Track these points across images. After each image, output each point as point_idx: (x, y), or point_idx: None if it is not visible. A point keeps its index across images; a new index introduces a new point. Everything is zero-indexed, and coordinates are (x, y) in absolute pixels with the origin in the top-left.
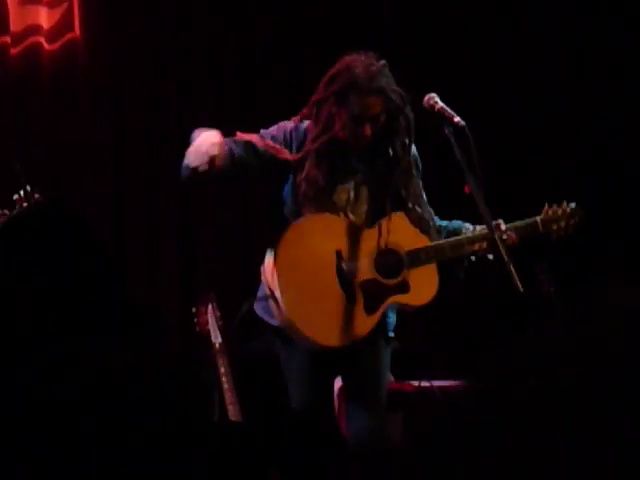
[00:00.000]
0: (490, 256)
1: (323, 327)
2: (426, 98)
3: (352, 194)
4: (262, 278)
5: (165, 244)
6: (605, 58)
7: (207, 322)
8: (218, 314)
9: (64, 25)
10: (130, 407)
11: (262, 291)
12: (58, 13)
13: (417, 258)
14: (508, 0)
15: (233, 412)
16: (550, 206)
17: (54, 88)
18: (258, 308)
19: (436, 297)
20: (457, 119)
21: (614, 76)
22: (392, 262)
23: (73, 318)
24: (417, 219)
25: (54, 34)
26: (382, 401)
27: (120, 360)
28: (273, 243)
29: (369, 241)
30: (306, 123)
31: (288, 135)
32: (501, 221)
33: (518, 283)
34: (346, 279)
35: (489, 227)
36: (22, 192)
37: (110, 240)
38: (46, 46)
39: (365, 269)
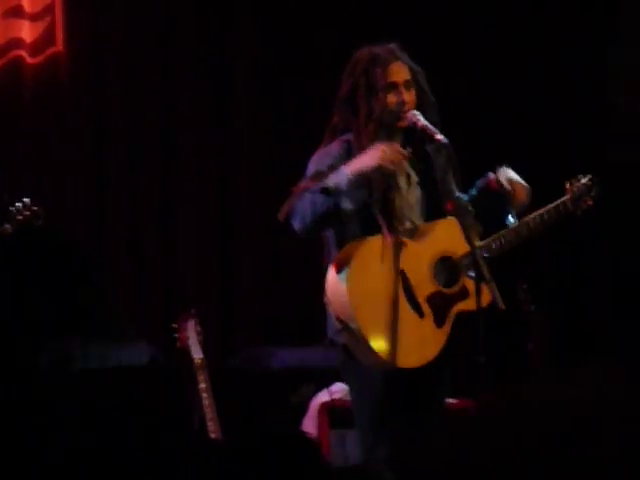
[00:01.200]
0: (471, 274)
1: (403, 351)
2: (409, 115)
3: (409, 198)
4: (329, 310)
5: (146, 260)
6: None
7: (188, 338)
8: (199, 330)
9: (47, 39)
10: (111, 422)
11: (332, 327)
12: (41, 27)
13: (472, 260)
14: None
15: (213, 427)
16: (571, 183)
17: (36, 102)
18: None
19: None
20: (439, 136)
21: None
22: (449, 270)
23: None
24: (462, 213)
25: (36, 48)
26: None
27: (101, 375)
28: (337, 272)
29: (425, 252)
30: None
31: (338, 160)
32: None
33: (500, 300)
34: (413, 298)
35: (471, 245)
36: (20, 204)
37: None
38: (28, 60)
39: (427, 282)
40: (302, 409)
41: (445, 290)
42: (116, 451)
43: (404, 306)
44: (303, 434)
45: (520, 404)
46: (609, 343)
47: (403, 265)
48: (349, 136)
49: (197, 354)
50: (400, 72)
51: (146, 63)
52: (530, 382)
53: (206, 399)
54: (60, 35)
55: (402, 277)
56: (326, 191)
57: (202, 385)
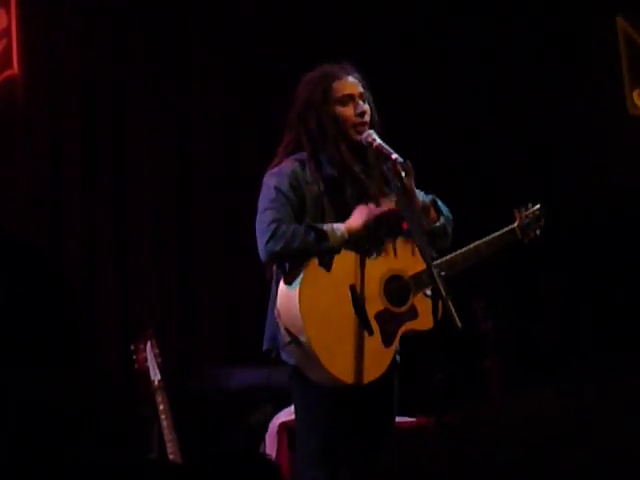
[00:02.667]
0: (428, 291)
1: (351, 368)
2: (364, 135)
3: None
4: (279, 322)
5: (102, 282)
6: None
7: (146, 359)
8: (157, 351)
9: (2, 62)
10: (69, 443)
11: (281, 337)
12: None
13: (421, 281)
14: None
15: (172, 449)
16: (519, 211)
17: None
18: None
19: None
20: (395, 156)
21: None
22: (399, 288)
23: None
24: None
25: None
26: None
27: (58, 396)
28: (287, 284)
29: (376, 270)
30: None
31: (295, 184)
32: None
33: (456, 318)
34: (362, 313)
35: (427, 264)
36: None
37: None
38: None
39: (376, 300)
40: (262, 429)
41: (394, 309)
42: (71, 474)
43: (353, 322)
44: (262, 454)
45: (477, 422)
46: (563, 361)
47: (354, 280)
48: (301, 155)
49: (155, 375)
50: (354, 86)
51: (102, 85)
52: (487, 400)
53: (165, 420)
54: (16, 58)
55: (352, 293)
56: (321, 235)
57: (161, 407)
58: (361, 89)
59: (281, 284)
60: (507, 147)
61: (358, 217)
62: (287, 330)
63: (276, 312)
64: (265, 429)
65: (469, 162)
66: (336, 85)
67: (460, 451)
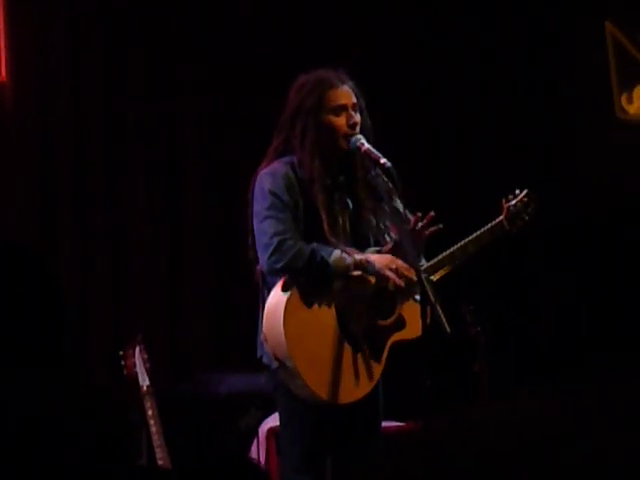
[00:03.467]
0: (417, 296)
1: (340, 387)
2: (352, 140)
3: (342, 231)
4: (266, 348)
5: (92, 287)
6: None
7: (134, 365)
8: (145, 357)
9: None
10: (58, 450)
11: (267, 358)
12: None
13: (407, 290)
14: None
15: (161, 455)
16: (507, 201)
17: None
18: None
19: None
20: (383, 160)
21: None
22: (385, 300)
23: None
24: (405, 237)
25: None
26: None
27: (46, 402)
28: (273, 308)
29: (361, 286)
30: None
31: (289, 185)
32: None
33: (445, 323)
34: (349, 332)
35: (416, 270)
36: None
37: None
38: None
39: (362, 316)
40: (250, 434)
41: (381, 322)
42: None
43: (340, 341)
44: (251, 460)
45: (466, 425)
46: (554, 364)
47: (339, 299)
48: (291, 158)
49: (144, 381)
50: (348, 95)
51: (93, 90)
52: (477, 404)
53: (154, 426)
54: (4, 65)
55: (337, 312)
56: (325, 262)
57: (149, 412)
58: (354, 99)
59: (268, 301)
60: (495, 148)
61: (377, 261)
62: (274, 355)
63: (262, 336)
64: (254, 434)
65: (460, 164)
66: (330, 94)
67: (449, 455)
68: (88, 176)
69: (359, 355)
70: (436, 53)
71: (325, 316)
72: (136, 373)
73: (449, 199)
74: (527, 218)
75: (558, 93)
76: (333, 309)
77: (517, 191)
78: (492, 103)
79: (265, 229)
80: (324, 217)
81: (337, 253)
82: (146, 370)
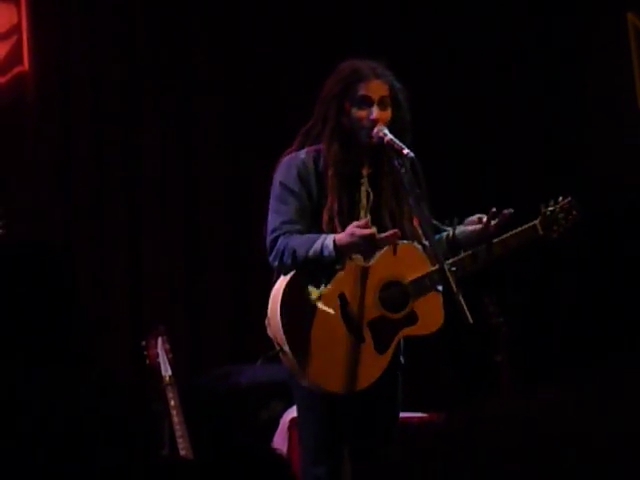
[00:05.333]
0: (439, 287)
1: (338, 377)
2: (375, 130)
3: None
4: (268, 332)
5: (113, 277)
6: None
7: (157, 355)
8: (167, 347)
9: (13, 58)
10: (80, 440)
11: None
12: (7, 46)
13: (421, 286)
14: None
15: (183, 445)
16: (546, 206)
17: (2, 121)
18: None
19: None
20: (406, 151)
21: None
22: (397, 295)
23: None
24: (428, 228)
25: (3, 67)
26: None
27: (69, 392)
28: (275, 294)
29: (371, 277)
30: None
31: (304, 173)
32: (482, 216)
33: (468, 314)
34: (352, 322)
35: (438, 259)
36: None
37: None
38: None
39: (370, 307)
40: (272, 425)
41: (390, 315)
42: (84, 469)
43: (341, 330)
44: (273, 450)
45: (488, 418)
46: (575, 356)
47: (345, 289)
48: (318, 146)
49: (166, 371)
50: (378, 89)
51: (112, 81)
52: (498, 395)
53: (176, 416)
54: (26, 54)
55: (342, 301)
56: (318, 251)
57: (172, 402)
58: (385, 92)
59: (274, 287)
60: (519, 147)
61: (345, 237)
62: (275, 340)
63: (266, 321)
64: (276, 425)
65: (479, 161)
66: (359, 86)
67: (470, 446)
68: (106, 165)
69: (362, 346)
70: (451, 48)
71: (327, 303)
72: (158, 364)
73: (466, 196)
74: (568, 225)
75: (578, 86)
76: (336, 297)
77: (560, 198)
78: (510, 99)
79: (270, 221)
80: (330, 203)
81: (317, 245)
82: (168, 361)
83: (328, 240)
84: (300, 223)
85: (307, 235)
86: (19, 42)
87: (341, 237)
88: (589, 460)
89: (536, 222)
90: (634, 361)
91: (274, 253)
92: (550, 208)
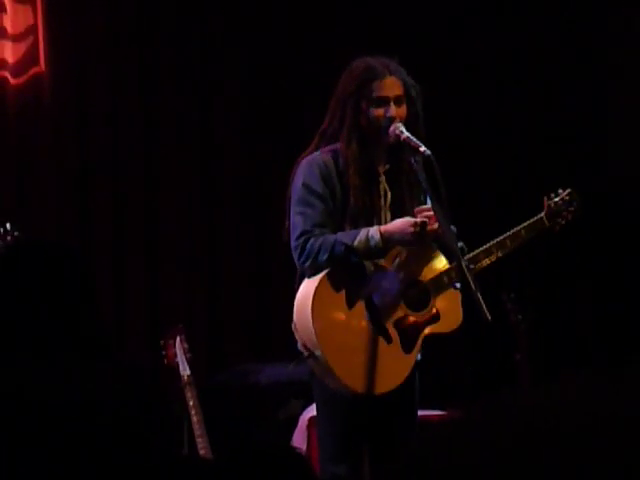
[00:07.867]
0: (457, 284)
1: (370, 378)
2: (392, 128)
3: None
4: (296, 337)
5: (132, 277)
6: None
7: (175, 355)
8: (186, 346)
9: (29, 59)
10: (99, 439)
11: (300, 347)
12: (23, 47)
13: (441, 283)
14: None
15: (202, 444)
16: (549, 198)
17: (19, 123)
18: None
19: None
20: (423, 148)
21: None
22: (419, 293)
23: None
24: (445, 225)
25: (19, 68)
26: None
27: (88, 390)
28: (302, 299)
29: (394, 276)
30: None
31: (326, 174)
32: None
33: (486, 311)
34: (379, 322)
35: (456, 256)
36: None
37: None
38: (11, 81)
39: (395, 307)
40: (291, 424)
41: (414, 314)
42: (103, 468)
43: (370, 332)
44: (292, 449)
45: (508, 415)
46: (594, 353)
47: (369, 289)
48: (336, 146)
49: (185, 371)
50: (393, 87)
51: (129, 82)
52: (518, 393)
53: (194, 416)
54: (42, 55)
55: (368, 302)
56: (349, 250)
57: (190, 402)
58: (399, 91)
59: (299, 290)
60: (536, 140)
61: (398, 230)
62: (304, 345)
63: (293, 326)
64: (295, 424)
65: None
66: (374, 84)
67: (489, 443)
68: (125, 166)
69: (390, 346)
70: (467, 37)
71: (355, 306)
72: (177, 363)
73: (484, 191)
74: (570, 216)
75: (597, 83)
76: (364, 299)
77: (560, 190)
78: (528, 91)
79: (295, 225)
80: (353, 201)
81: (362, 235)
82: (187, 360)
83: (372, 231)
84: (328, 226)
85: (341, 232)
86: (35, 43)
87: (388, 228)
88: (606, 457)
89: (542, 215)
90: None
91: (305, 254)
92: (555, 200)
